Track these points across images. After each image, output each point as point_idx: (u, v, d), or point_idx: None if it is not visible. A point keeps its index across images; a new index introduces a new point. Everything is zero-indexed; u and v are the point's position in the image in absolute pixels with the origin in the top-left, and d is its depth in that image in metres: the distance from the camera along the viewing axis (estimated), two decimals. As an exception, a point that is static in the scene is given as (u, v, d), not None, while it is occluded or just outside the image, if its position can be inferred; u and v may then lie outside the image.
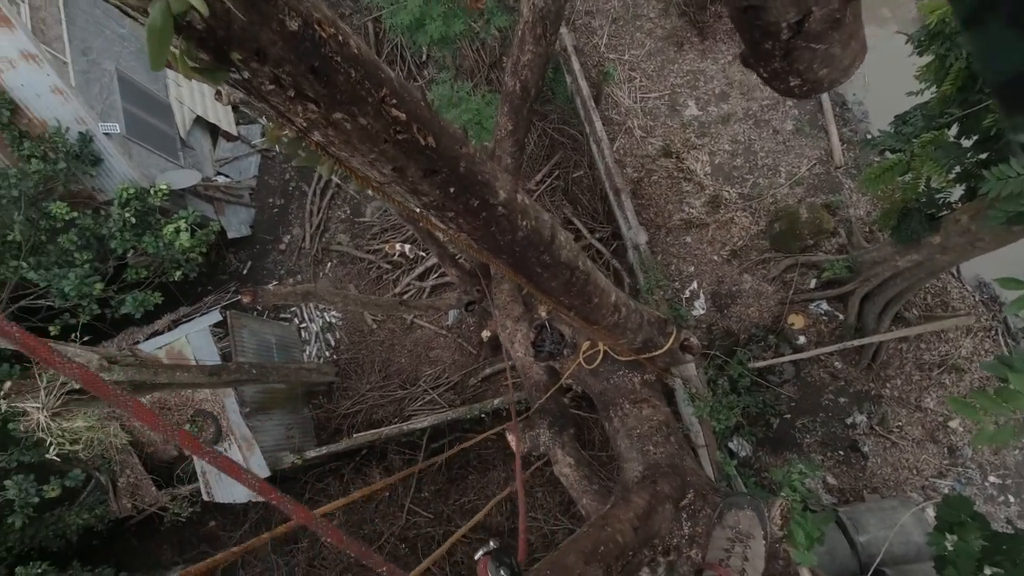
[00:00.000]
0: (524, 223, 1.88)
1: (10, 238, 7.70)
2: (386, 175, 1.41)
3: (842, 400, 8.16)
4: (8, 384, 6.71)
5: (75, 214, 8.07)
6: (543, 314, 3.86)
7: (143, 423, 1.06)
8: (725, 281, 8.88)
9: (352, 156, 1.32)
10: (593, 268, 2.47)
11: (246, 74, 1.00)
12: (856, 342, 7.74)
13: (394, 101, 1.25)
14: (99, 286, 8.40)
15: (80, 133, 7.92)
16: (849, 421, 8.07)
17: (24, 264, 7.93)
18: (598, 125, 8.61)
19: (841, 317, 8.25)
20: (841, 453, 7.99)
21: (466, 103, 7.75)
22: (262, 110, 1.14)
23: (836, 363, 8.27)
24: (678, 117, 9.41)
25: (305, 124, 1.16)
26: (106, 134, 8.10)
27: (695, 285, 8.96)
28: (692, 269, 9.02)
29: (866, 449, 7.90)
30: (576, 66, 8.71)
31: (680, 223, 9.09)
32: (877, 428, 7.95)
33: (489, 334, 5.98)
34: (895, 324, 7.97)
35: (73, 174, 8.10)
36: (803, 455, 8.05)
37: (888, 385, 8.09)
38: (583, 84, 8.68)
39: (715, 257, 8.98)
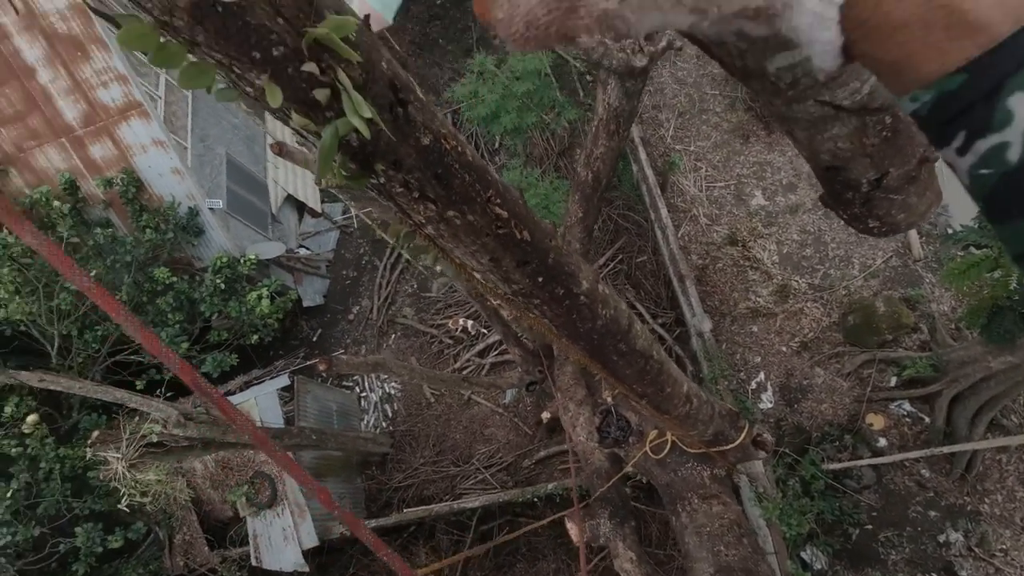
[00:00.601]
0: (604, 312, 1.96)
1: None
2: (483, 264, 1.55)
3: (932, 514, 7.39)
4: (96, 433, 7.16)
5: (174, 279, 8.84)
6: (608, 399, 3.84)
7: (298, 481, 1.16)
8: (795, 374, 8.50)
9: (456, 247, 1.46)
10: (666, 358, 2.50)
11: (383, 179, 1.17)
12: (946, 449, 7.11)
13: (498, 200, 1.41)
14: (185, 345, 9.01)
15: (189, 208, 8.83)
16: (942, 539, 7.25)
17: (124, 322, 8.66)
18: (663, 212, 8.78)
19: (927, 420, 7.64)
20: (933, 575, 7.15)
21: (535, 188, 8.14)
22: (386, 207, 1.31)
23: (923, 471, 7.58)
24: (744, 206, 9.46)
25: (423, 220, 1.32)
26: (210, 209, 8.99)
27: (762, 377, 8.62)
28: (759, 360, 8.70)
29: (964, 574, 7.03)
30: (643, 156, 9.04)
31: (746, 312, 8.90)
32: (976, 550, 7.10)
33: (549, 416, 5.93)
34: (991, 431, 7.29)
35: (178, 243, 8.96)
36: (887, 573, 7.24)
37: (987, 500, 7.29)
38: (649, 172, 8.96)
39: (784, 348, 8.66)
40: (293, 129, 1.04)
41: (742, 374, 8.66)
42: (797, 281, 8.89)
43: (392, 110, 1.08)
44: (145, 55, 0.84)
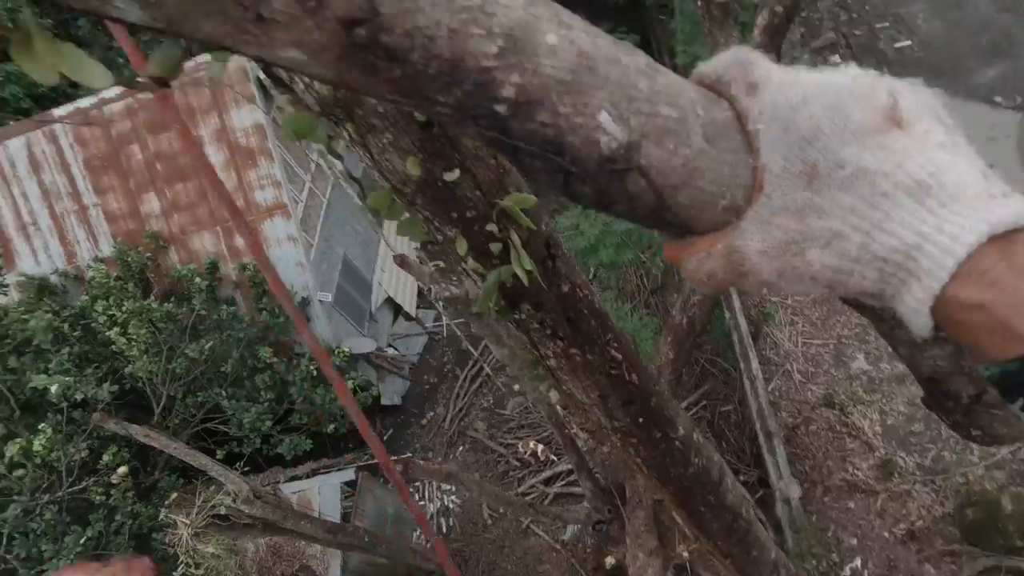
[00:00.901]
0: (696, 460, 1.99)
1: (223, 369, 9.25)
2: (592, 399, 1.68)
3: None
4: (175, 495, 7.50)
5: (274, 359, 9.54)
6: (684, 553, 3.60)
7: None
8: (899, 567, 7.45)
9: (572, 380, 1.62)
10: (755, 519, 2.41)
11: (524, 316, 1.38)
12: None
13: (615, 344, 1.57)
14: (269, 423, 9.48)
15: (303, 297, 9.74)
16: None
17: (223, 392, 9.34)
18: (754, 363, 8.52)
19: (1073, 659, 6.31)
20: None
21: (624, 323, 8.28)
22: (518, 339, 1.51)
23: None
24: (844, 368, 8.99)
25: (549, 354, 1.50)
26: (320, 301, 9.86)
27: (858, 563, 7.63)
28: (855, 542, 7.76)
29: None
30: (737, 304, 9.01)
31: (842, 484, 8.11)
32: None
33: (613, 562, 5.55)
34: None
35: (285, 328, 9.78)
36: None
37: None
38: (742, 321, 8.86)
39: (886, 534, 7.70)
40: (432, 266, 1.28)
41: (834, 555, 7.72)
42: (903, 459, 8.08)
43: (544, 262, 1.30)
44: (376, 212, 1.14)
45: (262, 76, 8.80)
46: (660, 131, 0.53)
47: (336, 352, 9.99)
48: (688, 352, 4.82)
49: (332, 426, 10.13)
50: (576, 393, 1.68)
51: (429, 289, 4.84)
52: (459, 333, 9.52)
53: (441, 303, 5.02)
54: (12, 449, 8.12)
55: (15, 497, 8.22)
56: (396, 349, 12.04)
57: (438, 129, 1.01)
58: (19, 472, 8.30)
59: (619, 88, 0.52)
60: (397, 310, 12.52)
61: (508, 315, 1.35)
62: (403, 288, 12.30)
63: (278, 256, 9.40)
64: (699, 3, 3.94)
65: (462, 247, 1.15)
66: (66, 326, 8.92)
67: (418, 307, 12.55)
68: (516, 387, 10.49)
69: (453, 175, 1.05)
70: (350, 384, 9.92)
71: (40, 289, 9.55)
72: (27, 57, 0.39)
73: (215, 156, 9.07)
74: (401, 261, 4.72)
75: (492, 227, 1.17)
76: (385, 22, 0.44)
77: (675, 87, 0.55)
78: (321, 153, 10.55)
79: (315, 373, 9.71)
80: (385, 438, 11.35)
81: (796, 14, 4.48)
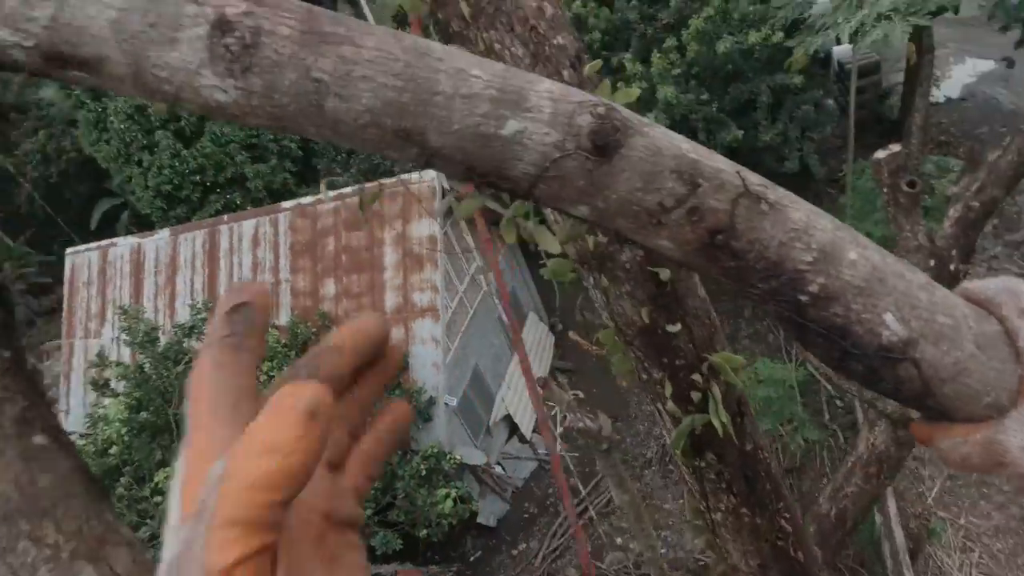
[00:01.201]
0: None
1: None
2: (750, 567, 1.62)
3: None
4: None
5: (391, 451, 9.90)
6: None
7: None
8: None
9: (733, 541, 1.59)
10: None
11: (703, 464, 1.44)
12: None
13: (786, 514, 1.54)
14: (369, 512, 9.64)
15: (431, 397, 10.23)
16: None
17: (338, 471, 9.77)
18: (911, 587, 7.15)
19: None
20: None
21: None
22: (690, 483, 1.55)
23: None
24: (1036, 628, 7.18)
25: (719, 507, 1.52)
26: (445, 404, 10.26)
27: None
28: None
29: None
30: (892, 510, 7.81)
31: None
32: None
33: None
34: None
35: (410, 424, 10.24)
36: None
37: None
38: (898, 531, 7.61)
39: None
40: (572, 395, 1.40)
41: None
42: None
43: (735, 418, 1.38)
44: (594, 342, 1.34)
45: (446, 187, 10.10)
46: (936, 334, 0.65)
47: (448, 458, 10.13)
48: (834, 551, 4.26)
49: (425, 531, 10.01)
50: (733, 556, 1.63)
51: (564, 416, 4.92)
52: (572, 468, 9.24)
53: (563, 431, 5.01)
54: (160, 476, 9.07)
55: (147, 521, 9.03)
56: (503, 469, 11.89)
57: (670, 288, 1.21)
58: (158, 499, 9.18)
59: (903, 296, 0.66)
60: (513, 429, 12.54)
61: (690, 460, 1.42)
62: (523, 409, 12.38)
63: (419, 353, 10.11)
64: (885, 190, 3.99)
65: (667, 390, 1.29)
66: (234, 378, 10.16)
67: (534, 431, 12.47)
68: (619, 540, 9.71)
69: (675, 327, 1.22)
70: (455, 492, 9.90)
71: (225, 342, 11.11)
72: (509, 229, 0.64)
73: (391, 256, 10.36)
74: (544, 384, 4.90)
75: (697, 377, 1.30)
76: (737, 232, 0.64)
77: (950, 301, 0.68)
78: (479, 270, 11.56)
79: (423, 473, 9.86)
80: (472, 559, 10.91)
81: (994, 210, 4.32)
